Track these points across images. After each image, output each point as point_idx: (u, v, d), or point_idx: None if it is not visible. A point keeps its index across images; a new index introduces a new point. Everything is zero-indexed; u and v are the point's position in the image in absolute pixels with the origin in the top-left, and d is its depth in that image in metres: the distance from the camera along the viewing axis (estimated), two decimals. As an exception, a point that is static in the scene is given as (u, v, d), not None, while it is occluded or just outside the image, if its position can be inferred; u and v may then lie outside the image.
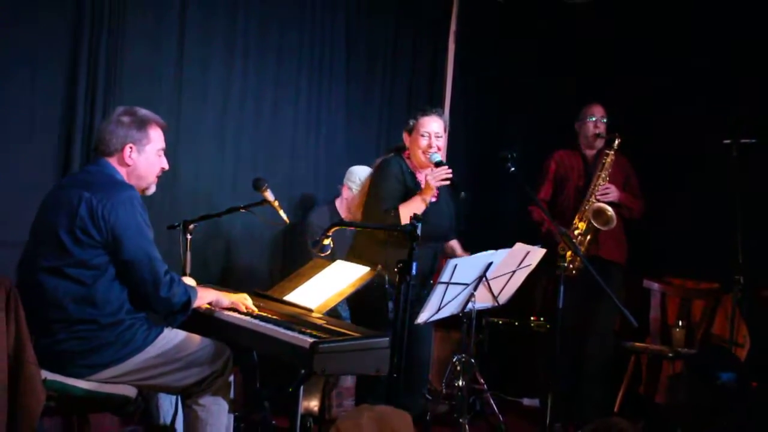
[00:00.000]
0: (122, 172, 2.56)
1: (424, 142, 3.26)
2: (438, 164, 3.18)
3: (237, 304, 2.71)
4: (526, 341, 4.64)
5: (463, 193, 3.15)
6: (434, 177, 3.14)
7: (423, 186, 3.21)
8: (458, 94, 5.18)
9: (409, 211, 3.09)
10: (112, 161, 2.55)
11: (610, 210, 3.98)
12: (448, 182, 3.16)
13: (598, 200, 4.02)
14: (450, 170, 3.14)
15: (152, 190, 2.66)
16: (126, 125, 2.54)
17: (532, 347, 4.63)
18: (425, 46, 5.01)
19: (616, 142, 4.06)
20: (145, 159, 2.57)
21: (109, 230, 2.40)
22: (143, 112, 2.60)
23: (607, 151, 4.08)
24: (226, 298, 2.70)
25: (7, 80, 3.29)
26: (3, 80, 3.28)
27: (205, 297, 2.64)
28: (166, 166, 2.66)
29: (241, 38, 4.06)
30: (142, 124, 2.57)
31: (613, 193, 4.03)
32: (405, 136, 3.34)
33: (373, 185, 3.30)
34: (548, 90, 4.97)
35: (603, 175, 4.06)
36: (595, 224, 3.99)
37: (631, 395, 4.29)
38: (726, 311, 4.12)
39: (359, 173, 4.05)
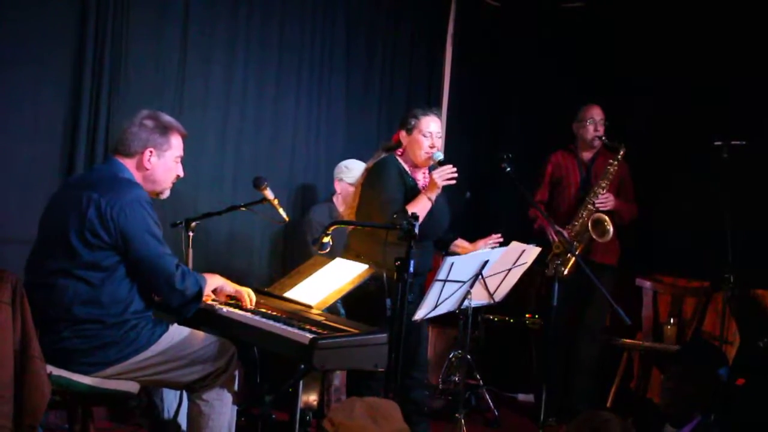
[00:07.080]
0: (137, 174, 2.57)
1: (426, 142, 3.21)
2: (440, 163, 3.14)
3: (241, 293, 2.73)
4: (521, 338, 4.70)
5: (468, 193, 3.15)
6: (440, 176, 3.09)
7: (428, 184, 3.14)
8: (456, 94, 5.20)
9: (416, 210, 3.01)
10: (129, 162, 2.56)
11: (609, 224, 3.98)
12: (453, 182, 3.12)
13: (598, 209, 4.02)
14: (455, 170, 3.11)
15: (166, 194, 2.67)
16: (149, 129, 2.56)
17: (527, 344, 4.68)
18: (423, 46, 5.03)
19: (621, 152, 4.05)
20: (163, 164, 2.58)
21: (118, 231, 2.41)
22: (166, 118, 2.62)
23: (611, 161, 4.06)
24: (230, 285, 2.73)
25: (12, 76, 3.30)
26: (8, 76, 3.29)
27: (212, 283, 2.65)
28: (182, 174, 2.67)
29: (243, 33, 4.07)
30: (164, 130, 2.58)
31: (611, 202, 4.04)
32: (402, 134, 3.27)
33: (372, 188, 3.20)
34: (546, 90, 4.98)
35: (604, 184, 4.04)
36: (592, 234, 4.00)
37: (623, 391, 4.34)
38: (716, 309, 4.18)
39: (350, 164, 4.04)
